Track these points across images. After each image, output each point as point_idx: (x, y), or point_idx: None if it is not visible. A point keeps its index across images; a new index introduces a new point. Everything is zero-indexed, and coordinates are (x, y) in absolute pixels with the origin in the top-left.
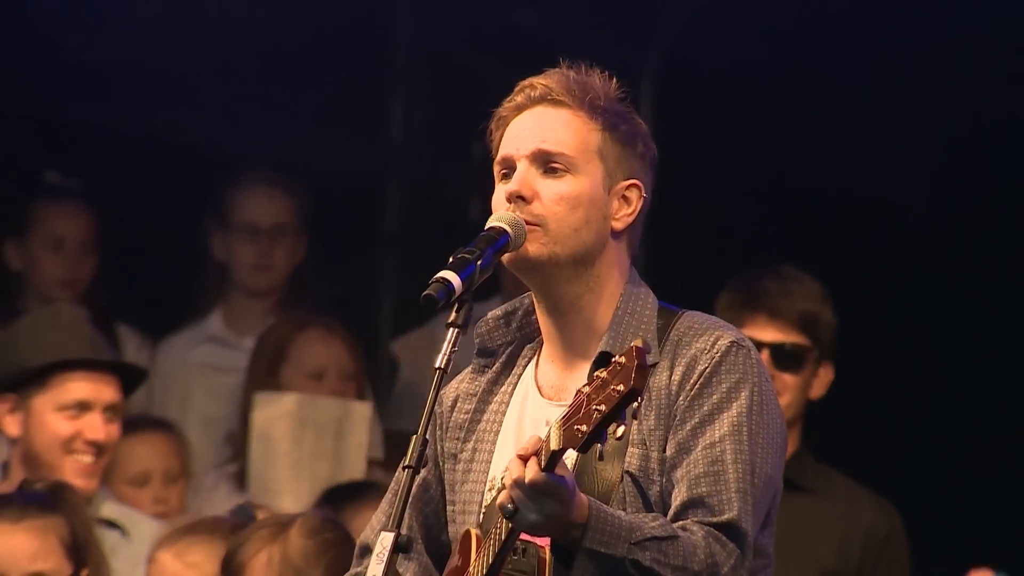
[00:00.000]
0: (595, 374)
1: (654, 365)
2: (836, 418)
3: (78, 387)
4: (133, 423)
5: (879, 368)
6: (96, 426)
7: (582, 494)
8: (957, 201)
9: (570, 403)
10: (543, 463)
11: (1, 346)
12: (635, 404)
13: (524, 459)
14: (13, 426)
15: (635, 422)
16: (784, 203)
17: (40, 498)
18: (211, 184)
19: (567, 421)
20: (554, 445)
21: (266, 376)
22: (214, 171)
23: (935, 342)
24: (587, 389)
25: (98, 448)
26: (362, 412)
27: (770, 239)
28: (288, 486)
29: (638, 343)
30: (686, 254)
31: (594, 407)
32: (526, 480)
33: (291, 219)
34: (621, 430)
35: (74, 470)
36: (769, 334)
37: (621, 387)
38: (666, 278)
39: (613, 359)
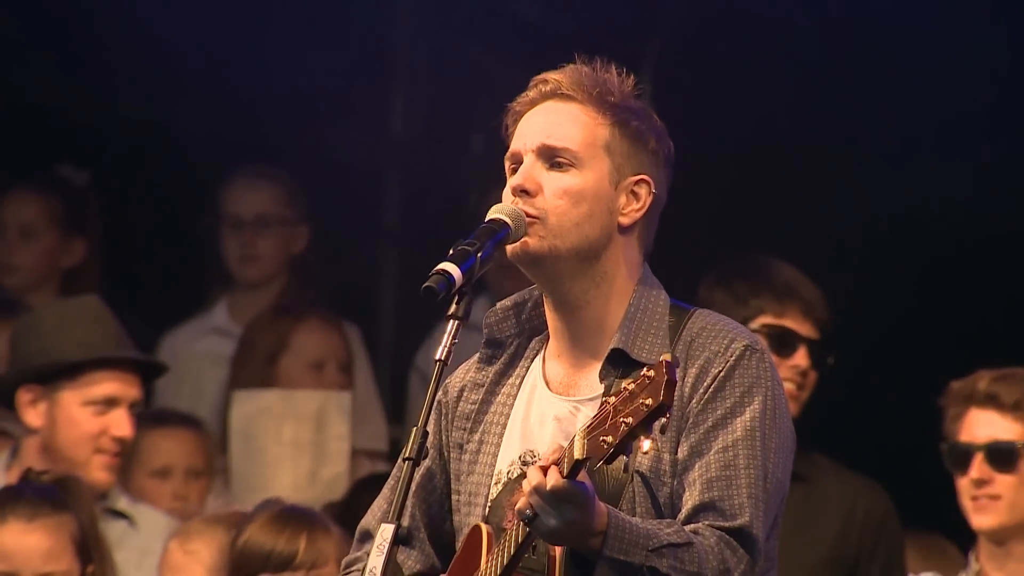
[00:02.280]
0: (623, 385)
1: None
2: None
3: (109, 384)
4: (161, 417)
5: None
6: (122, 422)
7: (600, 502)
8: (950, 192)
9: (595, 413)
10: (565, 471)
11: (23, 334)
12: (663, 419)
13: (544, 469)
14: (35, 417)
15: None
16: (784, 197)
17: (51, 493)
18: (212, 176)
19: (592, 431)
20: (578, 454)
21: (264, 368)
22: (215, 164)
23: (910, 331)
24: (613, 400)
25: (123, 444)
26: (342, 402)
27: (771, 232)
28: (270, 482)
29: (667, 357)
30: (686, 247)
31: (621, 419)
32: (547, 487)
33: (278, 209)
34: (648, 444)
35: (99, 465)
36: (806, 329)
37: (650, 401)
38: (666, 271)
39: (642, 372)
